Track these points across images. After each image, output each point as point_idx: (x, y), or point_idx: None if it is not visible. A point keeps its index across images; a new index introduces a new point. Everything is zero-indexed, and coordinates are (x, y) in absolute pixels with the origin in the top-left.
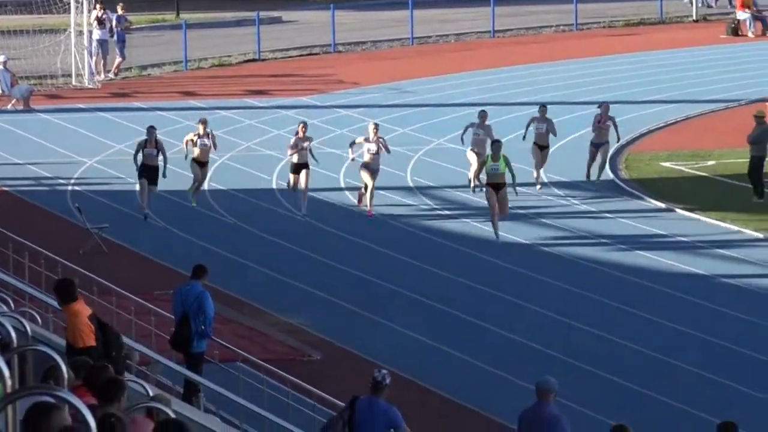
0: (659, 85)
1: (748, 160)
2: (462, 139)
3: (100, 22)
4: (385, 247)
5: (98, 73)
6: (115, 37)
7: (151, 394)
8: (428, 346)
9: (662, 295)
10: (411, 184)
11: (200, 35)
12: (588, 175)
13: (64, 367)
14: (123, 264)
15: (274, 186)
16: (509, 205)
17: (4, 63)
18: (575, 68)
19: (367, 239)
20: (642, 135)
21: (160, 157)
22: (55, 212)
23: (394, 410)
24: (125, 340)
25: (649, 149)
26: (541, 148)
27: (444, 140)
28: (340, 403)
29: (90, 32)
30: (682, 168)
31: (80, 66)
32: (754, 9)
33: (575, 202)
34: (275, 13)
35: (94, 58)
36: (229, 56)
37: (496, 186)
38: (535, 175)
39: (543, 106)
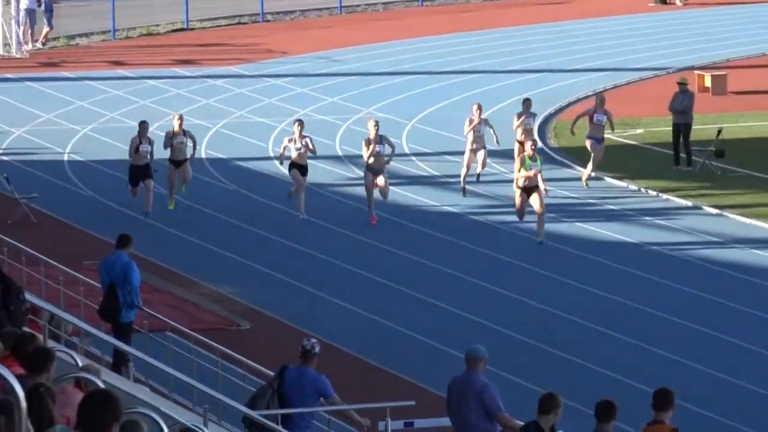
0: (588, 54)
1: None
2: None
3: None
4: (314, 216)
5: (26, 42)
6: (43, 7)
7: (80, 364)
8: (359, 315)
9: (591, 263)
10: (340, 153)
11: (128, 4)
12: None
13: None
14: (51, 234)
15: (204, 156)
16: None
17: None
18: (504, 36)
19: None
20: (571, 103)
21: (155, 154)
22: None
23: (323, 379)
24: (54, 309)
25: None
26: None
27: (372, 109)
28: (269, 372)
29: (17, 1)
30: (611, 136)
31: (8, 35)
32: None
33: (503, 170)
34: None
35: (21, 27)
36: (158, 25)
37: (528, 189)
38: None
39: (527, 99)
